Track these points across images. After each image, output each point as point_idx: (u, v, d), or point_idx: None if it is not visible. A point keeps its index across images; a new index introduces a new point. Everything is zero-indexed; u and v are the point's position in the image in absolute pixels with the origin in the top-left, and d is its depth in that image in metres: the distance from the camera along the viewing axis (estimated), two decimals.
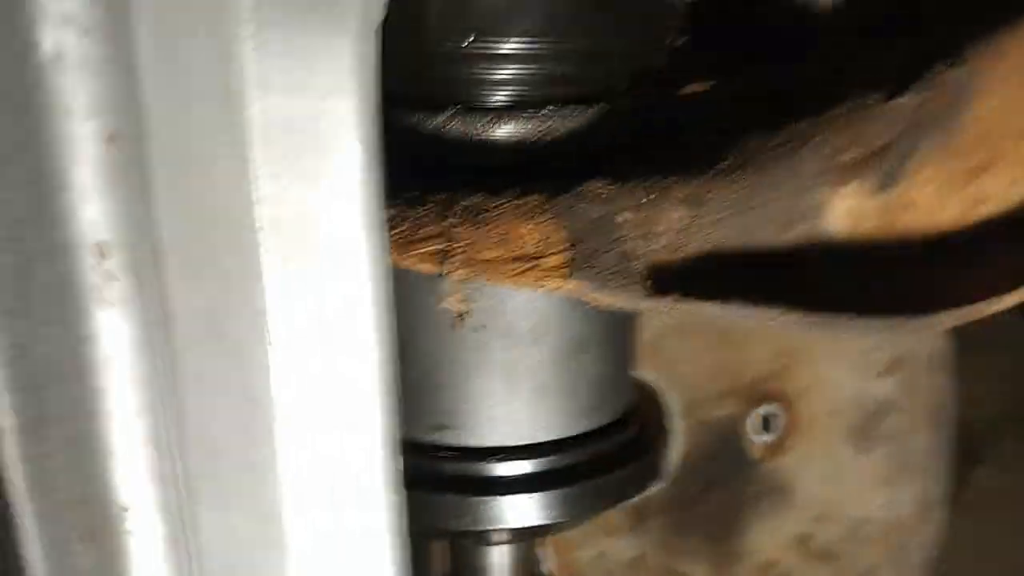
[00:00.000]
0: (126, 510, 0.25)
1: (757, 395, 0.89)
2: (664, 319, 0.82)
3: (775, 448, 0.91)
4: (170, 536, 0.27)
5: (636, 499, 0.85)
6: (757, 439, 0.90)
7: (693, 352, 0.88)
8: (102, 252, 0.23)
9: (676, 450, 0.87)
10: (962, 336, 2.00)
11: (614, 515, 0.87)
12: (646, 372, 0.84)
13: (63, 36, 0.22)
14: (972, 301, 0.43)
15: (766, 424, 0.90)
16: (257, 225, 0.28)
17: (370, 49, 0.28)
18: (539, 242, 0.33)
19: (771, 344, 0.89)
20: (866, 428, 0.93)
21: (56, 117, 0.22)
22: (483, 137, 0.36)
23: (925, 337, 0.91)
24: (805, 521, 0.92)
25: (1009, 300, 0.45)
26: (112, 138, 0.23)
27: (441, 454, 0.37)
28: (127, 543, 0.25)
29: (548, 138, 0.36)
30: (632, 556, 0.88)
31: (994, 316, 1.62)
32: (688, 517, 0.90)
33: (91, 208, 0.23)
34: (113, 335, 0.24)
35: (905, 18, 0.48)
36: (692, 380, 0.88)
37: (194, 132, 0.26)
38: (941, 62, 0.45)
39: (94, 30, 0.22)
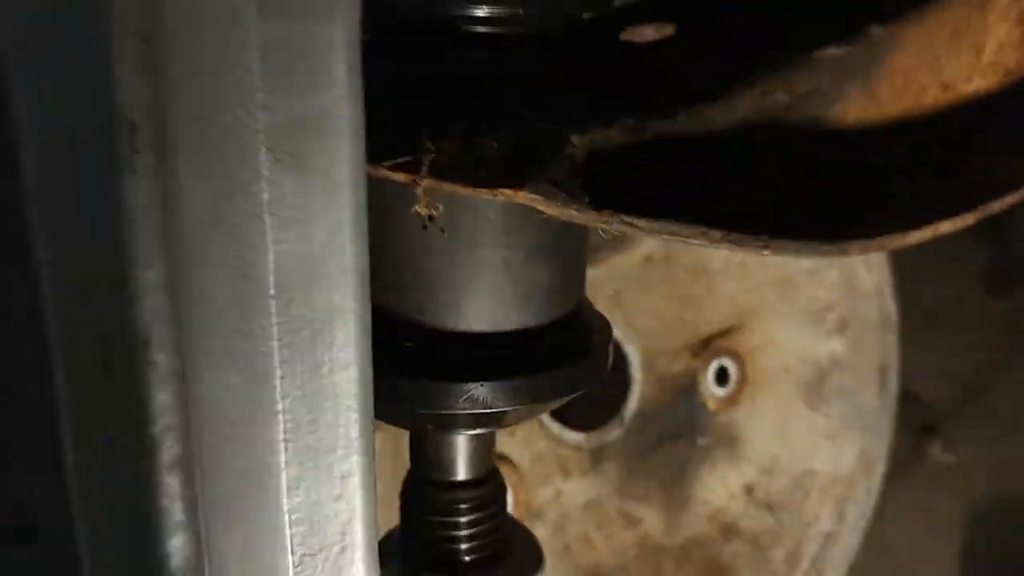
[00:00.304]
0: (147, 343, 0.30)
1: (713, 350, 0.95)
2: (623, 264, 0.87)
3: (728, 402, 0.96)
4: (177, 373, 0.31)
5: (585, 439, 0.89)
6: (712, 392, 0.95)
7: (652, 307, 0.93)
8: (131, 128, 0.28)
9: (633, 400, 0.92)
10: (926, 313, 2.07)
11: (572, 458, 0.92)
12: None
13: None
14: (884, 232, 0.49)
15: (721, 378, 0.95)
16: (257, 128, 0.32)
17: None
18: (494, 153, 0.38)
19: (728, 302, 0.94)
20: (815, 385, 0.98)
21: (107, 23, 0.27)
22: (452, 64, 0.41)
23: (873, 299, 0.97)
24: (753, 472, 0.98)
25: (918, 235, 0.50)
26: (144, 39, 0.27)
27: (407, 337, 0.42)
28: (147, 372, 0.30)
29: (509, 64, 0.41)
30: (588, 498, 0.93)
31: (960, 293, 1.70)
32: (643, 464, 0.95)
33: (125, 93, 0.27)
34: (135, 198, 0.29)
35: None
36: (651, 334, 0.93)
37: (206, 45, 0.30)
38: (864, 17, 0.50)
39: None
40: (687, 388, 0.95)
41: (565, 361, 0.44)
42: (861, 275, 0.96)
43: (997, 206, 0.55)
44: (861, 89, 0.51)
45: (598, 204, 0.39)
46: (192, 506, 0.34)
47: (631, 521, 0.95)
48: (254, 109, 0.33)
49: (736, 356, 0.95)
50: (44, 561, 0.36)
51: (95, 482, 0.34)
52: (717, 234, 0.42)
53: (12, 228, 0.31)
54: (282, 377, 0.37)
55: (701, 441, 0.96)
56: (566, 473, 0.92)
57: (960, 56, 0.56)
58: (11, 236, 0.31)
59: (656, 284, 0.91)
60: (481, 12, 0.40)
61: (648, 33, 0.52)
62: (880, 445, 1.01)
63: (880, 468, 1.01)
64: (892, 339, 0.99)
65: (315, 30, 0.34)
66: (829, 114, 0.50)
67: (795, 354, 0.97)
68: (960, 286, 1.96)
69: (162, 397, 0.32)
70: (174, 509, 0.34)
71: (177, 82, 0.30)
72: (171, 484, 0.33)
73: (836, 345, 0.98)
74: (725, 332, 0.95)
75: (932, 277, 2.20)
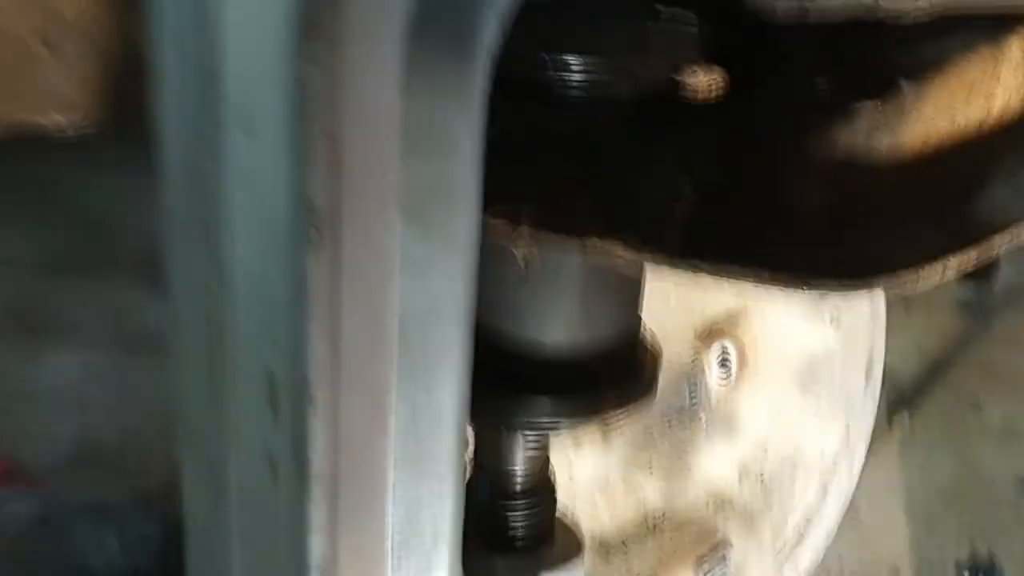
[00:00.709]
0: (308, 383, 0.36)
1: (717, 337, 1.01)
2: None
3: (728, 384, 1.03)
4: (328, 404, 0.37)
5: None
6: (714, 377, 1.02)
7: (664, 296, 0.99)
8: (312, 211, 0.34)
9: (658, 377, 0.99)
10: (903, 297, 2.16)
11: (584, 432, 0.99)
12: None
13: None
14: (902, 267, 0.55)
15: (723, 364, 1.02)
16: (394, 195, 0.38)
17: (486, 61, 0.39)
18: (585, 215, 0.44)
19: (732, 293, 1.01)
20: (808, 372, 1.06)
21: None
22: (548, 127, 0.47)
23: (865, 297, 1.04)
24: (748, 449, 1.06)
25: (931, 269, 0.57)
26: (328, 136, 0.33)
27: (498, 358, 0.48)
28: (305, 407, 0.36)
29: (596, 127, 0.47)
30: (595, 468, 1.00)
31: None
32: (648, 438, 1.02)
33: (310, 185, 0.33)
34: (314, 266, 0.34)
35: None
36: (661, 320, 0.99)
37: (368, 134, 0.36)
38: (898, 74, 0.57)
39: None
40: (691, 370, 1.02)
41: (622, 380, 0.50)
42: None
43: (998, 242, 0.61)
44: (888, 137, 0.57)
45: (671, 253, 0.45)
46: (332, 516, 0.40)
47: (635, 494, 1.02)
48: (396, 185, 0.39)
49: (738, 344, 1.02)
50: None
51: (250, 502, 0.40)
52: (767, 276, 0.49)
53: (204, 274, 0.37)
54: (397, 400, 0.43)
55: (702, 420, 1.03)
56: (577, 447, 0.99)
57: (973, 104, 0.62)
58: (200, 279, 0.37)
59: (668, 275, 0.97)
60: (576, 78, 0.45)
61: (701, 78, 0.57)
62: (863, 428, 1.09)
63: (862, 449, 1.10)
64: (880, 333, 1.06)
65: (448, 110, 0.39)
66: (859, 159, 0.57)
67: (792, 343, 1.04)
68: None
69: (318, 433, 0.38)
70: (319, 518, 0.40)
71: (346, 174, 0.35)
72: (319, 502, 0.39)
73: (829, 336, 1.05)
74: (729, 321, 1.02)
75: None
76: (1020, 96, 0.65)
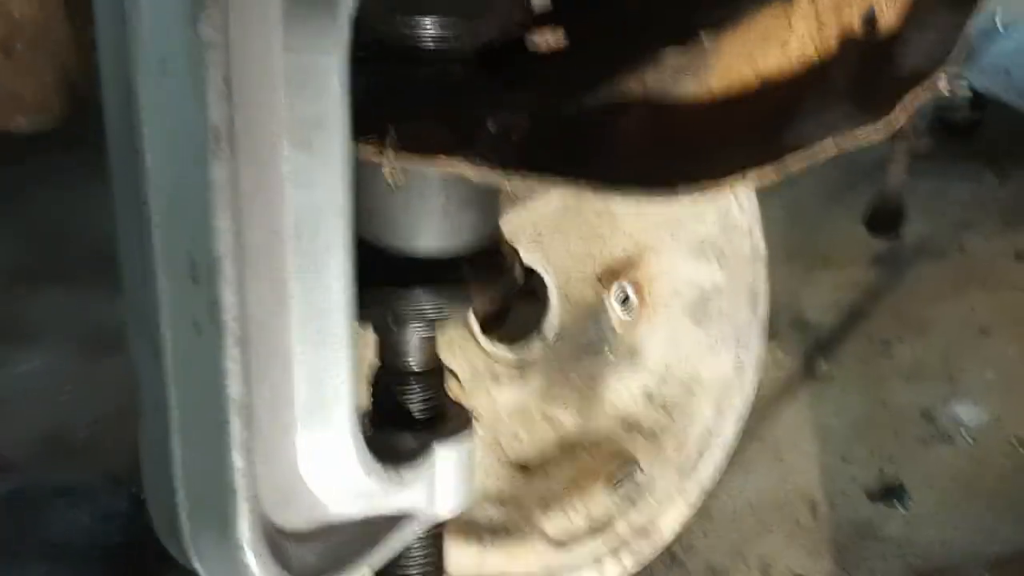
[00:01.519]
0: (221, 260, 0.49)
1: (617, 279, 1.15)
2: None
3: (630, 321, 1.17)
4: (237, 281, 0.51)
5: (513, 355, 1.10)
6: (616, 314, 1.16)
7: (567, 245, 1.13)
8: (216, 133, 0.47)
9: (551, 321, 1.13)
10: (820, 253, 2.31)
11: (503, 370, 1.13)
12: (530, 259, 1.09)
13: None
14: (707, 179, 0.69)
15: (624, 302, 1.16)
16: (282, 127, 0.52)
17: (347, 29, 0.52)
18: (440, 140, 0.57)
19: (628, 239, 1.15)
20: (699, 306, 1.20)
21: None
22: (409, 73, 0.61)
23: (745, 235, 1.18)
24: (650, 379, 1.19)
25: (730, 180, 0.71)
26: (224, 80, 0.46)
27: (378, 259, 0.62)
28: (220, 280, 0.49)
29: (449, 73, 0.61)
30: (515, 404, 1.14)
31: (848, 235, 1.98)
32: (561, 374, 1.16)
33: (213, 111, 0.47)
34: (217, 175, 0.48)
35: None
36: (566, 267, 1.13)
37: (254, 78, 0.49)
38: (694, 31, 0.71)
39: None
40: (596, 311, 1.16)
41: (485, 274, 0.64)
42: (735, 215, 1.17)
43: (793, 162, 0.76)
44: (694, 80, 0.72)
45: (505, 168, 0.59)
46: (246, 365, 0.53)
47: (552, 421, 1.16)
48: (281, 116, 0.53)
49: (636, 284, 1.16)
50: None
51: (181, 359, 0.53)
52: (586, 184, 0.63)
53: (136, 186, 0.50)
54: (295, 286, 0.57)
55: (608, 354, 1.17)
56: (498, 382, 1.12)
57: (769, 52, 0.77)
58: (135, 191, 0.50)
59: (570, 225, 1.11)
60: (428, 37, 0.59)
61: (547, 37, 0.71)
62: (751, 355, 1.23)
63: (751, 375, 1.24)
64: (761, 268, 1.21)
65: (319, 60, 0.53)
66: (670, 98, 0.71)
67: (683, 281, 1.18)
68: (848, 229, 2.21)
69: (229, 298, 0.51)
70: (234, 366, 0.53)
71: (238, 104, 0.49)
72: (234, 353, 0.52)
73: (716, 273, 1.19)
74: (626, 264, 1.16)
75: (825, 222, 2.45)
76: (814, 42, 0.80)
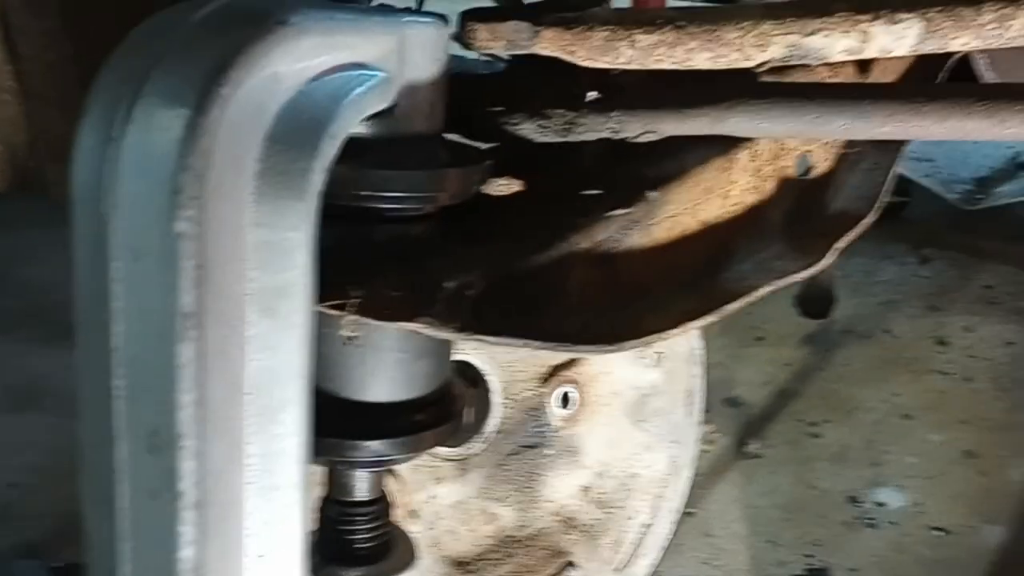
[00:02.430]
0: (182, 435, 0.51)
1: (558, 379, 1.18)
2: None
3: (570, 419, 1.20)
4: (196, 450, 0.52)
5: (455, 452, 1.12)
6: (557, 412, 1.19)
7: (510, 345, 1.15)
8: (185, 316, 0.49)
9: (494, 419, 1.15)
10: (755, 332, 2.37)
11: (443, 467, 1.15)
12: (474, 358, 1.11)
13: None
14: (651, 333, 0.73)
15: (564, 401, 1.19)
16: (248, 294, 0.54)
17: (313, 204, 0.55)
18: (397, 301, 0.60)
19: None
20: (637, 406, 1.23)
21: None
22: (370, 235, 0.63)
23: (683, 338, 1.22)
24: (589, 476, 1.22)
25: (674, 333, 0.75)
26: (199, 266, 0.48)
27: (331, 411, 0.64)
28: (178, 453, 0.51)
29: (409, 234, 0.64)
30: (456, 499, 1.16)
31: (781, 315, 2.04)
32: (501, 471, 1.18)
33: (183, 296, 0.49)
34: (186, 355, 0.50)
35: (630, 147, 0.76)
36: (509, 367, 1.16)
37: (224, 251, 0.52)
38: (643, 187, 0.75)
39: None
40: (537, 409, 1.18)
41: (436, 422, 0.67)
42: None
43: (730, 308, 0.80)
44: (641, 232, 0.76)
45: (461, 329, 0.62)
46: (201, 525, 0.55)
47: (490, 517, 1.18)
48: (248, 286, 0.55)
49: (577, 384, 1.19)
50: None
51: (136, 522, 0.54)
52: (536, 343, 0.66)
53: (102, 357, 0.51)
54: (252, 443, 0.58)
55: (548, 452, 1.20)
56: (439, 480, 1.14)
57: (712, 201, 0.81)
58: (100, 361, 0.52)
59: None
60: (388, 201, 0.62)
61: (502, 187, 0.75)
62: (687, 454, 1.27)
63: (686, 472, 1.28)
64: (698, 370, 1.25)
65: (288, 235, 0.55)
66: (618, 250, 0.74)
67: (622, 382, 1.22)
68: (782, 310, 2.29)
69: (187, 466, 0.53)
70: (188, 529, 0.55)
71: (208, 286, 0.51)
72: (188, 517, 0.54)
73: (654, 374, 1.23)
74: (568, 365, 1.19)
75: (760, 303, 2.52)
76: (752, 193, 0.84)
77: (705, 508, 1.84)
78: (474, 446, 1.13)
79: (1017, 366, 2.22)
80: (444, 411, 0.68)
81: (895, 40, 0.66)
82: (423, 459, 1.14)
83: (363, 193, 0.61)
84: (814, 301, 2.15)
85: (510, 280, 0.66)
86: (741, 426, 2.09)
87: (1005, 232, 2.63)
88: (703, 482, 1.85)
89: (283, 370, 0.57)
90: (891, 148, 0.95)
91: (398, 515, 1.04)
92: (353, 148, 0.62)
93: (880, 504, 1.84)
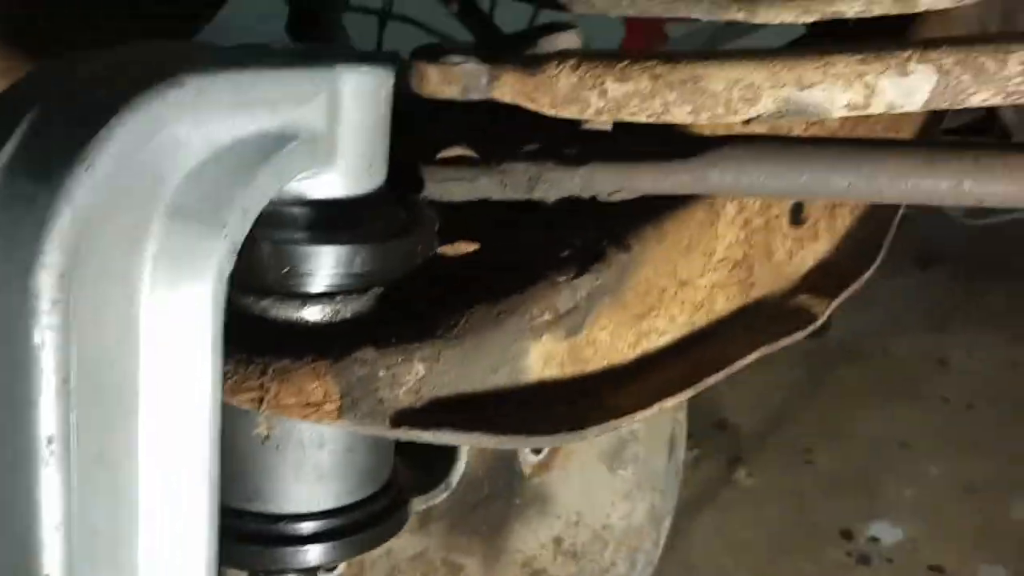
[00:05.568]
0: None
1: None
2: None
3: (542, 467, 1.12)
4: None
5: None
6: (528, 459, 1.11)
7: None
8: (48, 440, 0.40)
9: (459, 468, 1.07)
10: None
11: None
12: None
13: None
14: (621, 414, 0.65)
15: (536, 448, 1.11)
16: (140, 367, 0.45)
17: (221, 287, 0.46)
18: (321, 394, 0.51)
19: None
20: (615, 452, 1.15)
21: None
22: (292, 316, 0.54)
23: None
24: (561, 526, 1.14)
25: (646, 413, 0.66)
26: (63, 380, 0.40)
27: (248, 519, 0.56)
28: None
29: (338, 316, 0.55)
30: (415, 552, 1.07)
31: None
32: (466, 521, 1.10)
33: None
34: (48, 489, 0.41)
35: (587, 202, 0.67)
36: None
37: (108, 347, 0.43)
38: (613, 247, 0.66)
39: None
40: (506, 456, 1.10)
41: (366, 527, 0.58)
42: None
43: (712, 380, 0.72)
44: (611, 299, 0.67)
45: (396, 424, 0.53)
46: None
47: (454, 569, 1.10)
48: (138, 392, 0.46)
49: None
50: None
51: None
52: (488, 438, 0.57)
53: None
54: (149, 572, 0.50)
55: (517, 500, 1.12)
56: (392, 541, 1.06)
57: (694, 260, 0.73)
58: None
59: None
60: (317, 280, 0.53)
61: (458, 248, 0.66)
62: (667, 503, 1.19)
63: (667, 523, 1.20)
64: (681, 416, 1.17)
65: (190, 326, 0.47)
66: (584, 320, 0.66)
67: None
68: None
69: None
70: None
71: (81, 409, 0.42)
72: None
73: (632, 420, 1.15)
74: None
75: None
76: (740, 247, 0.76)
77: (687, 539, 1.76)
78: (437, 496, 1.05)
79: (1022, 391, 2.14)
80: (386, 510, 0.60)
81: (904, 96, 0.58)
82: None
83: (287, 269, 0.52)
84: None
85: (456, 364, 0.58)
86: (729, 451, 2.01)
87: (1010, 248, 2.54)
88: (686, 510, 1.76)
89: (185, 483, 0.49)
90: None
91: (348, 572, 0.96)
92: (277, 216, 0.53)
93: (874, 539, 1.77)
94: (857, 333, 2.30)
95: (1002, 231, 2.65)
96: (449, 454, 1.08)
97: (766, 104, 0.59)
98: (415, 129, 0.65)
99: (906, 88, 0.58)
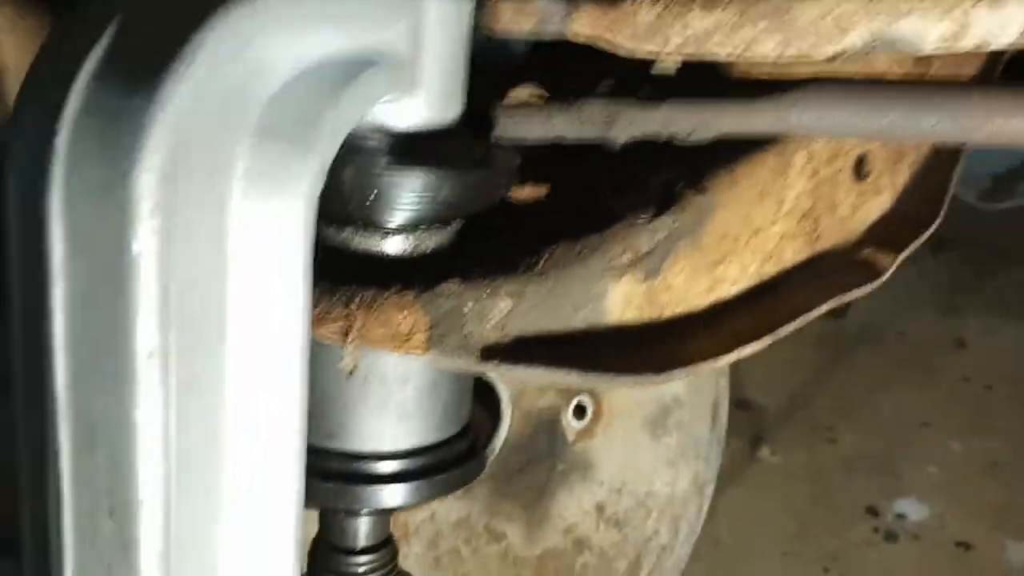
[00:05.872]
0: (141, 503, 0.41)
1: (574, 391, 1.09)
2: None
3: (585, 432, 1.10)
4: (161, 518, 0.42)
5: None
6: (571, 425, 1.09)
7: None
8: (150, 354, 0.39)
9: (503, 432, 1.06)
10: None
11: None
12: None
13: None
14: (701, 360, 0.63)
15: (579, 413, 1.10)
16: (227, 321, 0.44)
17: (312, 208, 0.45)
18: (409, 326, 0.49)
19: None
20: (659, 419, 1.14)
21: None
22: (374, 248, 0.52)
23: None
24: (603, 493, 1.13)
25: (726, 359, 0.65)
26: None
27: (327, 457, 0.54)
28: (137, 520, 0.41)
29: (420, 249, 0.53)
30: (458, 517, 1.06)
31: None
32: (509, 486, 1.09)
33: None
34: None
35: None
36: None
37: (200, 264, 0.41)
38: (690, 190, 0.64)
39: None
40: (550, 421, 1.09)
41: (447, 468, 0.57)
42: None
43: (787, 330, 0.70)
44: (688, 243, 0.65)
45: (485, 358, 0.52)
46: None
47: (496, 536, 1.09)
48: (227, 311, 0.44)
49: (593, 394, 1.10)
50: None
51: None
52: (575, 375, 0.56)
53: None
54: (232, 496, 0.49)
55: (560, 466, 1.10)
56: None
57: (766, 207, 0.71)
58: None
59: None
60: (400, 208, 0.52)
61: (527, 191, 0.64)
62: (710, 470, 1.18)
63: (709, 490, 1.18)
64: (724, 382, 1.16)
65: (279, 248, 0.45)
66: (662, 265, 0.64)
67: (643, 393, 1.12)
68: None
69: (148, 538, 0.43)
70: None
71: (175, 329, 0.41)
72: None
73: (677, 385, 1.13)
74: None
75: None
76: (808, 198, 0.74)
77: (713, 515, 1.75)
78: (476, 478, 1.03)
79: None
80: (461, 454, 0.58)
81: (999, 27, 0.56)
82: None
83: (370, 198, 0.51)
84: None
85: (540, 301, 0.56)
86: (752, 430, 1.99)
87: None
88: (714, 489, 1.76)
89: (272, 411, 0.48)
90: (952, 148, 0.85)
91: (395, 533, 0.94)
92: (359, 144, 0.51)
93: (901, 516, 1.76)
94: (874, 315, 2.29)
95: (1017, 215, 2.64)
96: (493, 416, 1.07)
97: (856, 38, 0.57)
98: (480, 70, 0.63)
99: (1001, 19, 0.56)
